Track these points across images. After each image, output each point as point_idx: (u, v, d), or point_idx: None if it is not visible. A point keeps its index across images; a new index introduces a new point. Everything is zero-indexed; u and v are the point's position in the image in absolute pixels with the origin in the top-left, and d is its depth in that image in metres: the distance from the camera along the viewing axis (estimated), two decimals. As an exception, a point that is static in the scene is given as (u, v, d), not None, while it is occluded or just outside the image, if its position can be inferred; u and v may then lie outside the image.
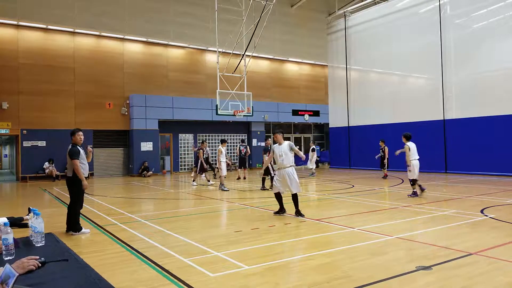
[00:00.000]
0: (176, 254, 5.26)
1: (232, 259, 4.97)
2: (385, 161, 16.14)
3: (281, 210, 8.13)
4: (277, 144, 8.08)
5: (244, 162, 17.77)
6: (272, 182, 12.90)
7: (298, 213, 7.83)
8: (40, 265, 2.42)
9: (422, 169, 18.21)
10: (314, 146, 19.11)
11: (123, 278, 4.37)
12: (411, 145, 10.53)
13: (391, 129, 20.57)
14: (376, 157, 17.11)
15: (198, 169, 15.33)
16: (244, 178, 17.39)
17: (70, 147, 6.99)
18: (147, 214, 8.88)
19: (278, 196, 8.10)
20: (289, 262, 4.85)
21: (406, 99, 20.04)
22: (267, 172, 12.70)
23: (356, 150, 22.79)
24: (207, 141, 22.18)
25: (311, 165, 18.59)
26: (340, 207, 9.34)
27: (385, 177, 16.10)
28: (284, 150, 7.89)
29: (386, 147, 16.32)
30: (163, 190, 13.89)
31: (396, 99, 20.60)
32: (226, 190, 12.81)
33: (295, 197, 7.86)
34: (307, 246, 5.60)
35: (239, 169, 17.99)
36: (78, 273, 2.41)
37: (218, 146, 14.98)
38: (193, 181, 15.38)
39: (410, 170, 10.39)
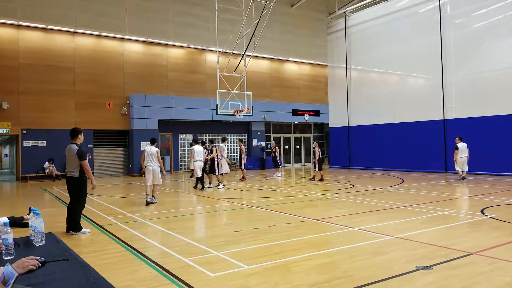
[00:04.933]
0: (176, 254, 5.26)
1: (232, 259, 4.97)
2: (316, 161, 15.65)
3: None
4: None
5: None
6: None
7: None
8: (40, 265, 2.42)
9: (422, 168, 18.27)
10: (462, 143, 14.83)
11: (123, 278, 4.37)
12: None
13: (391, 129, 20.57)
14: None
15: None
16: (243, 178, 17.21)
17: (76, 147, 6.80)
18: (147, 214, 8.88)
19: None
20: (289, 262, 4.84)
21: (406, 99, 20.02)
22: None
23: (356, 150, 22.78)
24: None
25: (462, 167, 14.67)
26: (340, 207, 9.34)
27: (322, 179, 15.69)
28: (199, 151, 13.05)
29: (317, 148, 15.77)
30: (163, 190, 13.88)
31: (396, 99, 20.59)
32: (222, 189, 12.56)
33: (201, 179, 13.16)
34: (307, 246, 5.59)
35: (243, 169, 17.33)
36: (78, 273, 2.41)
37: (218, 145, 14.72)
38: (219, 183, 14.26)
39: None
